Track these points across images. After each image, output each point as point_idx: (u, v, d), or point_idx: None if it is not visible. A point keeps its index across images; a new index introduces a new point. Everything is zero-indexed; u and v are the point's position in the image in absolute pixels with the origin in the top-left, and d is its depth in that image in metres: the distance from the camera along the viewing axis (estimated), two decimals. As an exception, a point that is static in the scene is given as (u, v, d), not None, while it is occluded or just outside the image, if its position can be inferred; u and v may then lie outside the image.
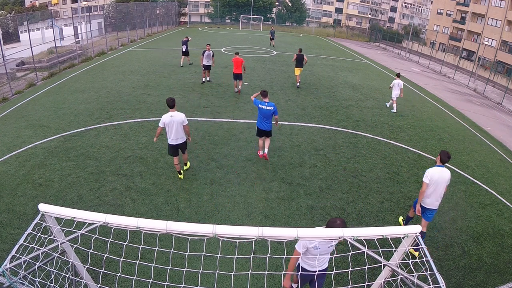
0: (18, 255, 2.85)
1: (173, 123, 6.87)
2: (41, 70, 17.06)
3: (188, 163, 7.93)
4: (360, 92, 15.91)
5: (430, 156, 9.68)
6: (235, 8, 51.61)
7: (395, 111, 13.20)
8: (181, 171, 7.52)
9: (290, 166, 8.34)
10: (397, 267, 3.14)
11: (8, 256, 2.85)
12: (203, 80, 15.13)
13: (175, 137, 7.03)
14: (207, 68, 14.71)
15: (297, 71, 15.39)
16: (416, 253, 5.59)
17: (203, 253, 3.56)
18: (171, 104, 6.92)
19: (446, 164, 5.74)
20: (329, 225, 3.59)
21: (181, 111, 11.45)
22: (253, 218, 6.36)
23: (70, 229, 3.14)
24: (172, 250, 3.67)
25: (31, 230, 2.94)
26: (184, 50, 17.92)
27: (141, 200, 6.68)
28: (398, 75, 13.53)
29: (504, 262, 5.84)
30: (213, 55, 14.58)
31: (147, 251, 5.12)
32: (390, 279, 3.29)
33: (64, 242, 3.08)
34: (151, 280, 3.63)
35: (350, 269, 3.65)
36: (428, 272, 2.82)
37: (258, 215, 6.46)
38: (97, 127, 9.96)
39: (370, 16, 68.87)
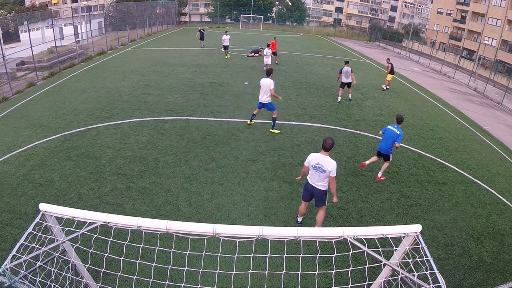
0: (18, 255, 2.86)
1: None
2: (41, 70, 17.06)
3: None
4: (360, 91, 15.89)
5: (430, 156, 9.68)
6: (235, 8, 51.59)
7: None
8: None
9: (290, 166, 8.34)
10: (398, 266, 3.14)
11: (8, 255, 2.85)
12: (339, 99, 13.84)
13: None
14: (349, 85, 13.80)
15: None
16: None
17: (204, 252, 3.56)
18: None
19: None
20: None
21: (181, 110, 11.60)
22: (253, 217, 6.36)
23: (71, 229, 3.14)
24: (172, 250, 3.67)
25: (32, 230, 2.93)
26: None
27: (142, 199, 6.69)
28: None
29: (504, 262, 5.84)
30: (351, 71, 13.56)
31: (148, 251, 5.12)
32: (390, 278, 3.30)
33: (64, 242, 3.08)
34: (151, 280, 3.63)
35: (351, 268, 3.65)
36: (428, 271, 2.82)
37: (258, 214, 6.46)
38: (97, 126, 9.96)
39: (370, 15, 68.81)
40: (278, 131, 10.17)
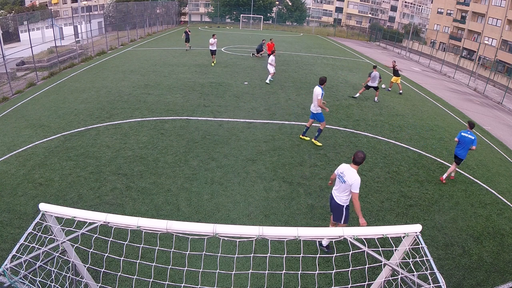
0: (18, 255, 2.86)
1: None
2: (41, 70, 17.06)
3: None
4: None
5: (430, 156, 9.68)
6: (235, 8, 51.61)
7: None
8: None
9: (290, 166, 8.34)
10: (397, 266, 3.14)
11: (8, 255, 2.85)
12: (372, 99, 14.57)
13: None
14: (375, 89, 14.35)
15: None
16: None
17: (204, 252, 3.57)
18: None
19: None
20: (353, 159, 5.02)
21: (181, 110, 11.60)
22: (253, 217, 6.36)
23: (71, 229, 3.15)
24: (172, 250, 3.68)
25: (32, 230, 2.94)
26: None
27: (142, 199, 6.69)
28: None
29: (504, 262, 5.84)
30: (380, 77, 14.28)
31: (148, 251, 5.12)
32: (390, 278, 3.30)
33: (64, 242, 3.08)
34: (151, 280, 3.64)
35: (351, 268, 3.66)
36: (428, 271, 2.82)
37: (258, 214, 6.46)
38: (97, 126, 9.97)
39: (370, 15, 68.81)
40: (320, 144, 9.57)
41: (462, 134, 8.04)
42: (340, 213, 5.26)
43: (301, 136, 9.91)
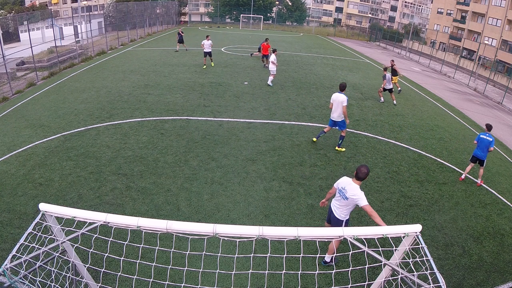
0: (18, 255, 2.86)
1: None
2: (41, 70, 17.06)
3: None
4: (360, 91, 15.90)
5: (430, 156, 9.68)
6: (235, 8, 51.63)
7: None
8: None
9: (290, 166, 8.34)
10: (397, 266, 3.14)
11: (8, 255, 2.85)
12: (382, 99, 14.64)
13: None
14: (390, 91, 14.51)
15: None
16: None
17: (204, 252, 3.57)
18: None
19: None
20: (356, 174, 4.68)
21: (181, 110, 11.60)
22: (253, 217, 6.36)
23: (71, 229, 3.15)
24: (172, 250, 3.68)
25: (32, 230, 2.94)
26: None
27: (142, 199, 6.69)
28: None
29: (504, 262, 5.84)
30: (391, 78, 14.53)
31: (148, 251, 5.12)
32: (390, 278, 3.30)
33: (64, 242, 3.08)
34: (151, 280, 3.64)
35: (351, 268, 3.66)
36: (428, 271, 2.83)
37: (258, 214, 6.46)
38: (97, 126, 9.97)
39: (370, 15, 68.82)
40: (343, 149, 9.44)
41: (481, 136, 8.21)
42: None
43: (314, 139, 9.71)
